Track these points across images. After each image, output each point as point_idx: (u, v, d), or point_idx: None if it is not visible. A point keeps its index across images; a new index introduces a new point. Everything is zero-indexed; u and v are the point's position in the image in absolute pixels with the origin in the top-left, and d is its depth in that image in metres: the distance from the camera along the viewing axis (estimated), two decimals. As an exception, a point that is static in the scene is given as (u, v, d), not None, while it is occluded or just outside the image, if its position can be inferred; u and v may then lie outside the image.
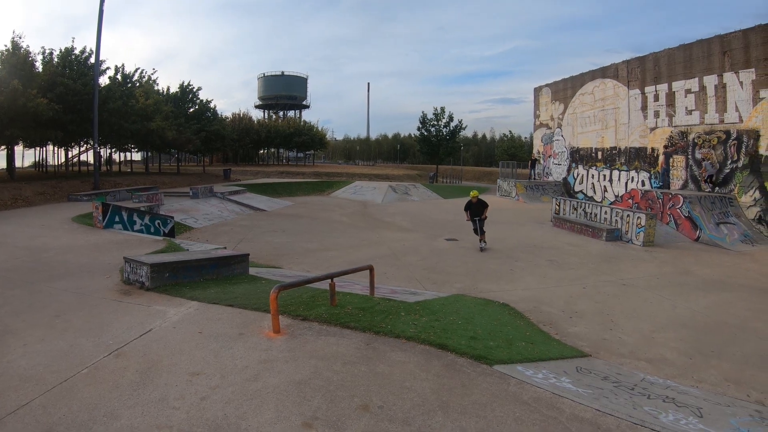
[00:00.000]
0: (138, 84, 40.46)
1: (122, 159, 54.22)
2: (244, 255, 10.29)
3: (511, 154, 64.29)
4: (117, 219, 16.70)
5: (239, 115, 70.06)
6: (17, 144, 34.69)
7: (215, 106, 49.59)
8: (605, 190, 31.04)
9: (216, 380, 4.70)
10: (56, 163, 45.67)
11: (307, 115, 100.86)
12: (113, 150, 45.64)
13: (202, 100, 48.22)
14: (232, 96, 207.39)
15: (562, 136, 36.35)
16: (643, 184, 27.84)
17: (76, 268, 10.17)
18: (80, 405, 4.32)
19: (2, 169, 38.38)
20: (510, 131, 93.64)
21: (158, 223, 17.70)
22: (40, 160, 42.28)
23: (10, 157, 34.39)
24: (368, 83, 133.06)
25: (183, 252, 11.37)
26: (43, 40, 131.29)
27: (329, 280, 6.97)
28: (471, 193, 17.11)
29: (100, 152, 33.16)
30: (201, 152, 52.83)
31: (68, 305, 7.46)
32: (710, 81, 23.45)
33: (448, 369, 5.04)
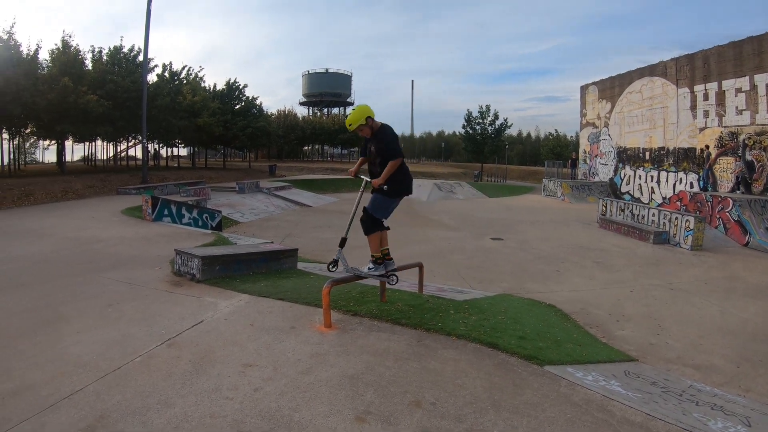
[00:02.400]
0: (185, 81, 41.31)
1: (169, 154, 55.48)
2: (293, 249, 10.42)
3: (556, 154, 63.16)
4: (166, 212, 17.12)
5: (284, 111, 70.90)
6: (67, 139, 35.82)
7: (261, 103, 50.19)
8: (652, 192, 30.24)
9: (269, 372, 4.74)
10: (105, 158, 46.92)
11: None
12: (160, 145, 46.69)
13: (248, 97, 48.92)
14: (277, 93, 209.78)
15: (609, 135, 35.54)
16: (691, 185, 27.01)
17: (126, 259, 10.44)
18: (134, 392, 4.40)
19: (53, 163, 39.69)
20: (556, 130, 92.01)
21: (206, 217, 18.09)
22: (89, 155, 43.52)
23: (61, 152, 35.60)
24: (412, 81, 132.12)
25: (232, 245, 11.50)
26: (92, 39, 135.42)
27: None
28: None
29: (148, 147, 33.87)
30: (247, 148, 53.59)
31: (120, 295, 7.63)
32: (762, 79, 22.56)
33: (499, 368, 4.99)
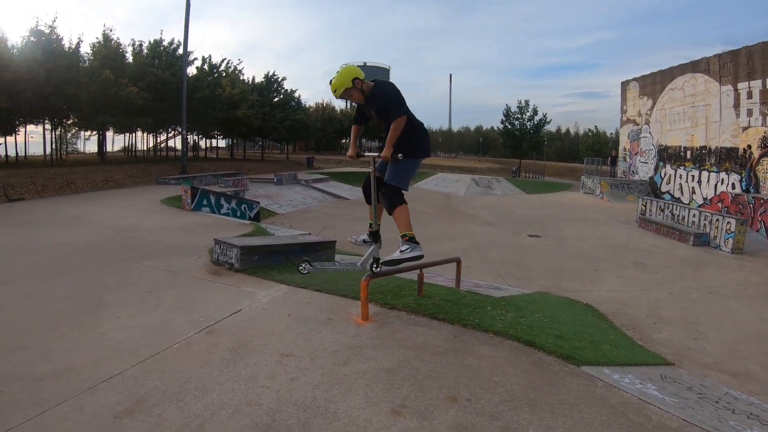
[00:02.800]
0: (224, 74, 41.93)
1: (207, 145, 56.27)
2: (330, 242, 10.47)
3: (596, 151, 61.97)
4: (205, 202, 17.40)
5: (322, 104, 71.18)
6: (108, 130, 36.72)
7: (299, 96, 50.55)
8: (693, 192, 29.36)
9: (306, 363, 4.76)
10: (145, 149, 47.86)
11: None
12: (199, 136, 47.44)
13: (286, 90, 49.38)
14: (316, 86, 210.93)
15: (649, 133, 34.63)
16: (733, 186, 26.02)
17: (165, 247, 10.62)
18: (172, 378, 4.47)
19: (94, 153, 40.74)
20: (595, 126, 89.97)
21: (244, 208, 18.31)
22: (129, 145, 44.49)
23: (101, 142, 36.59)
24: (450, 75, 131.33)
25: (270, 236, 11.65)
26: (132, 34, 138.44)
27: (417, 271, 6.88)
28: None
29: (187, 138, 34.54)
30: (285, 140, 54.02)
31: (159, 282, 7.76)
32: (808, 78, 21.64)
33: (536, 366, 4.90)
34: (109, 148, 43.32)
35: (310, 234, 13.00)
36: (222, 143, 60.18)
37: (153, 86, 32.39)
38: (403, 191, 5.60)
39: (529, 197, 33.56)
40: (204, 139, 50.59)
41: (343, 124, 68.11)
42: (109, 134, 41.02)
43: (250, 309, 6.39)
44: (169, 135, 47.15)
